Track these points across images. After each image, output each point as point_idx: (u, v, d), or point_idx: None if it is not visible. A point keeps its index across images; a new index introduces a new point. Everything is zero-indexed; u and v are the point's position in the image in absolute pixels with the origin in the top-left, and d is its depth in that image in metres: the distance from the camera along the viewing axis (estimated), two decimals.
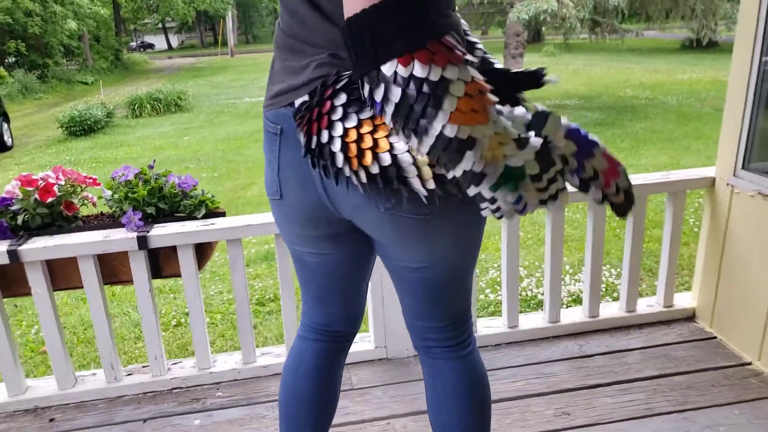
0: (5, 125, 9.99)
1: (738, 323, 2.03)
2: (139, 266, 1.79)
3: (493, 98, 0.78)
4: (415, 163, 0.85)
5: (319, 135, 0.90)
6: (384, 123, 0.86)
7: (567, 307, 2.87)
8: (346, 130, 0.88)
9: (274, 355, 2.02)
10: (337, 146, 0.88)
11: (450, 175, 0.81)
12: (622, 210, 0.97)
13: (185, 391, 1.92)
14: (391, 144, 0.86)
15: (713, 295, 2.13)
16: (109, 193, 1.88)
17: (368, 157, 0.86)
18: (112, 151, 8.73)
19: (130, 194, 1.86)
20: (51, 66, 19.83)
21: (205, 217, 1.88)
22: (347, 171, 0.88)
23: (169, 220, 1.87)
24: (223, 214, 1.92)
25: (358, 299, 1.25)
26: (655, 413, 1.75)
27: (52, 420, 1.85)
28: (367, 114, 0.87)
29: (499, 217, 0.85)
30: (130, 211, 1.80)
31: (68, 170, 1.91)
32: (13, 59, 19.16)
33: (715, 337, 2.11)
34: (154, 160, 2.02)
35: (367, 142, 0.86)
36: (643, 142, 7.56)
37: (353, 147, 0.87)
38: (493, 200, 0.81)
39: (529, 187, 0.81)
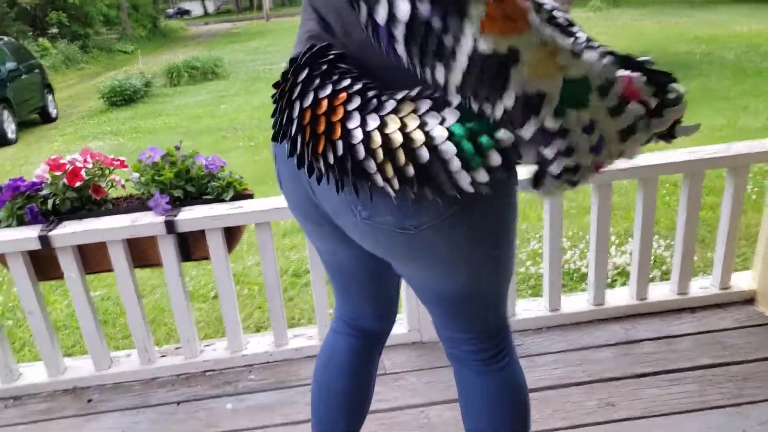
0: (50, 97, 10.21)
1: None
2: (167, 250, 1.76)
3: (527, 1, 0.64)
4: (372, 152, 0.73)
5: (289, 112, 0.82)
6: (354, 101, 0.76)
7: (612, 281, 2.75)
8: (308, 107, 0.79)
9: (307, 337, 1.99)
10: (294, 129, 0.80)
11: (498, 111, 0.67)
12: (670, 132, 0.83)
13: (218, 374, 1.91)
14: (346, 128, 0.75)
15: None
16: (137, 175, 1.85)
17: (322, 144, 0.77)
18: (152, 120, 8.83)
19: (156, 177, 1.82)
20: (92, 36, 20.13)
21: (234, 199, 1.83)
22: (307, 155, 0.80)
23: (197, 202, 1.83)
24: (251, 196, 1.86)
25: (386, 299, 1.18)
26: (707, 407, 1.64)
27: (90, 401, 1.86)
28: (341, 84, 0.78)
29: (575, 182, 0.73)
30: (157, 195, 1.76)
31: (96, 153, 1.88)
32: (56, 30, 19.49)
33: None
34: (181, 141, 1.97)
35: (338, 114, 0.76)
36: (697, 102, 7.15)
37: (318, 127, 0.77)
38: (564, 146, 0.68)
39: (599, 109, 0.69)
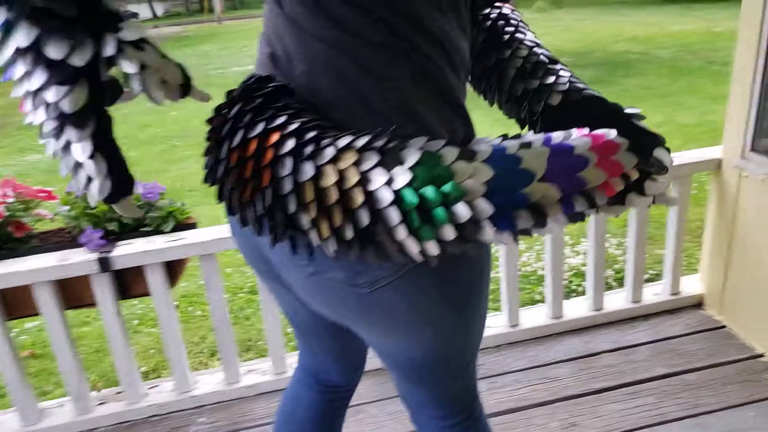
0: None
1: (748, 312, 1.91)
2: (102, 290, 1.64)
3: None
4: (305, 206, 0.64)
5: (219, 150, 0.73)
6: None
7: (569, 283, 2.74)
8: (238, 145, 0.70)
9: (260, 373, 1.90)
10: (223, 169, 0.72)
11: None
12: (660, 196, 0.74)
13: (164, 419, 1.80)
14: (276, 175, 0.66)
15: (721, 282, 2.00)
16: (66, 208, 1.72)
17: (248, 191, 0.68)
18: None
19: (88, 209, 1.70)
20: None
21: (175, 230, 1.73)
22: (234, 202, 0.71)
23: (135, 235, 1.72)
24: (193, 226, 1.76)
25: (355, 355, 1.10)
26: (667, 419, 1.64)
27: None
28: (274, 123, 0.70)
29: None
30: (89, 229, 1.64)
31: (19, 185, 1.74)
32: None
33: (724, 326, 2.00)
34: None
35: (267, 158, 0.68)
36: (638, 99, 7.36)
37: (245, 171, 0.68)
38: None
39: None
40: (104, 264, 1.60)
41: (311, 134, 0.67)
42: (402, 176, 0.61)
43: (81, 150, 0.65)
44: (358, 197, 0.62)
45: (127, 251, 1.61)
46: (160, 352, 2.67)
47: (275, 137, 0.67)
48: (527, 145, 0.64)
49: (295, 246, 0.69)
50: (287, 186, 0.65)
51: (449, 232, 0.61)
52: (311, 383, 1.12)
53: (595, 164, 0.64)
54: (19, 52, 0.62)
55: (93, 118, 0.66)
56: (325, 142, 0.66)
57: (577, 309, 2.09)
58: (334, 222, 0.63)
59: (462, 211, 0.60)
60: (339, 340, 1.04)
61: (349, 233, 0.63)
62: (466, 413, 0.97)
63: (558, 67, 0.89)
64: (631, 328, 2.04)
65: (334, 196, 0.63)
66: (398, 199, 0.61)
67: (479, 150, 0.63)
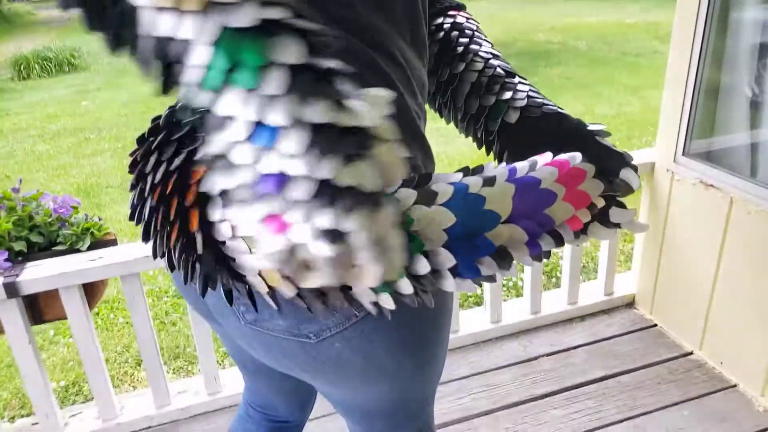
0: None
1: (679, 311, 1.97)
2: (10, 317, 1.48)
3: None
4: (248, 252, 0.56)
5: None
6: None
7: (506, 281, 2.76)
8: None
9: (193, 393, 1.78)
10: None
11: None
12: (627, 223, 0.67)
13: None
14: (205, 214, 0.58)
15: (653, 282, 2.06)
16: None
17: (174, 235, 0.59)
18: None
19: None
20: None
21: (93, 247, 1.58)
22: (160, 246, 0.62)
23: (46, 255, 1.55)
24: (114, 243, 1.62)
25: (304, 393, 1.03)
26: (606, 423, 1.66)
27: None
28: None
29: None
30: None
31: None
32: None
33: (656, 325, 2.06)
34: (20, 180, 1.67)
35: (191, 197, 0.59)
36: (559, 89, 7.57)
37: (169, 212, 0.59)
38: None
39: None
40: (11, 289, 1.43)
41: None
42: None
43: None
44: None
45: (39, 274, 1.45)
46: (80, 364, 2.48)
47: (201, 172, 0.58)
48: (491, 182, 0.59)
49: (231, 297, 0.61)
50: (224, 233, 0.56)
51: (406, 286, 0.55)
52: (258, 419, 1.06)
53: (562, 198, 0.60)
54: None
55: None
56: None
57: (516, 313, 2.10)
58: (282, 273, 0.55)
59: (421, 265, 0.54)
60: (289, 379, 0.96)
61: (293, 288, 0.55)
62: None
63: (516, 80, 0.83)
64: (568, 330, 2.07)
65: None
66: None
67: (439, 191, 0.57)
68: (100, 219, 1.64)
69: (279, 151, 0.45)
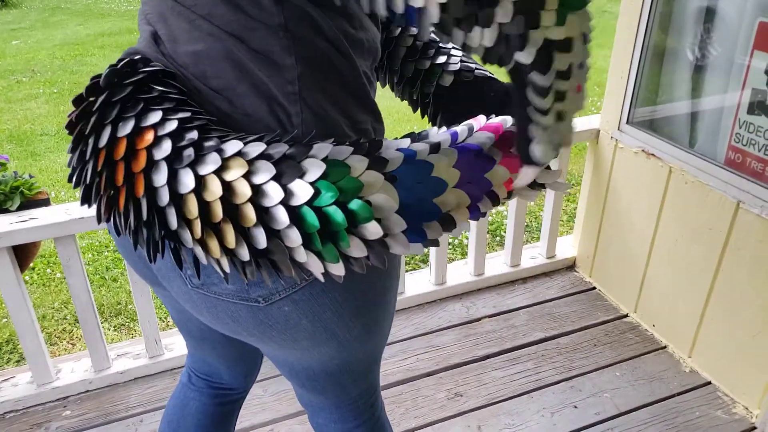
0: None
1: (616, 275, 2.05)
2: None
3: None
4: (188, 222, 0.56)
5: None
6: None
7: (451, 245, 2.80)
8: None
9: (133, 357, 1.75)
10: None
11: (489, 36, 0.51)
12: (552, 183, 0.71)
13: (22, 415, 1.61)
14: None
15: (593, 245, 2.13)
16: None
17: (122, 199, 0.59)
18: None
19: None
20: None
21: (23, 207, 1.50)
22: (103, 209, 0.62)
23: None
24: (46, 202, 1.54)
25: (249, 359, 1.02)
26: (544, 384, 1.73)
27: None
28: (148, 120, 0.60)
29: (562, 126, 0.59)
30: None
31: None
32: None
33: (594, 288, 2.14)
34: None
35: (139, 163, 0.59)
36: None
37: (116, 176, 0.59)
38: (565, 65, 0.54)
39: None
40: None
41: (191, 135, 0.58)
42: (302, 192, 0.55)
43: None
44: (250, 215, 0.55)
45: None
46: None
47: (149, 137, 0.58)
48: (436, 148, 0.62)
49: (180, 260, 0.61)
50: (164, 198, 0.56)
51: (357, 251, 0.56)
52: (201, 387, 1.05)
53: (499, 162, 0.64)
54: None
55: None
56: (209, 145, 0.58)
57: (459, 274, 2.13)
58: (227, 242, 0.55)
59: (372, 229, 0.56)
60: (234, 345, 0.97)
61: (243, 255, 0.56)
62: (366, 415, 0.94)
63: (450, 46, 0.87)
64: (510, 292, 2.12)
65: (219, 213, 0.55)
66: (298, 219, 0.54)
67: (390, 158, 0.59)
68: (31, 176, 1.56)
69: None
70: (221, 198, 0.55)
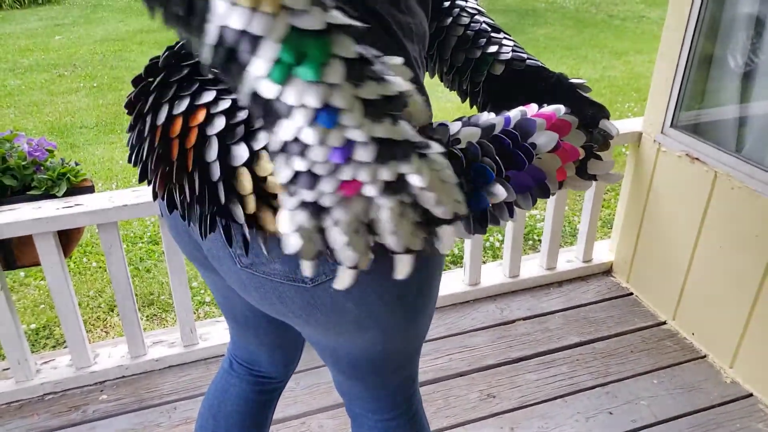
0: None
1: (655, 281, 2.01)
2: None
3: None
4: (241, 198, 0.57)
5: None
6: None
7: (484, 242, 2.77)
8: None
9: (168, 345, 1.77)
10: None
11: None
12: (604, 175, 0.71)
13: (60, 398, 1.64)
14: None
15: (632, 250, 2.09)
16: None
17: (175, 175, 0.60)
18: None
19: None
20: None
21: (68, 194, 1.53)
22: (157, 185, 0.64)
23: (21, 199, 1.50)
24: (91, 189, 1.57)
25: (290, 347, 1.03)
26: (579, 389, 1.70)
27: None
28: (201, 99, 0.62)
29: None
30: None
31: None
32: None
33: (632, 293, 2.10)
34: None
35: (191, 139, 0.60)
36: (545, 49, 7.49)
37: (171, 153, 0.61)
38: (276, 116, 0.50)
39: (346, 90, 0.48)
40: None
41: (244, 114, 0.59)
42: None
43: None
44: None
45: (12, 218, 1.41)
46: (52, 307, 2.45)
47: (201, 115, 0.60)
48: (490, 129, 0.63)
49: (230, 237, 0.62)
50: (215, 173, 0.57)
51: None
52: (242, 374, 1.06)
53: (550, 150, 0.64)
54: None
55: None
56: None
57: (493, 276, 2.11)
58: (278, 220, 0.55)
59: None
60: (276, 332, 0.98)
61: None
62: (403, 407, 0.94)
63: (501, 35, 0.87)
64: (546, 295, 2.09)
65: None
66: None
67: (461, 136, 0.61)
68: (77, 164, 1.59)
69: (342, 127, 0.48)
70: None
